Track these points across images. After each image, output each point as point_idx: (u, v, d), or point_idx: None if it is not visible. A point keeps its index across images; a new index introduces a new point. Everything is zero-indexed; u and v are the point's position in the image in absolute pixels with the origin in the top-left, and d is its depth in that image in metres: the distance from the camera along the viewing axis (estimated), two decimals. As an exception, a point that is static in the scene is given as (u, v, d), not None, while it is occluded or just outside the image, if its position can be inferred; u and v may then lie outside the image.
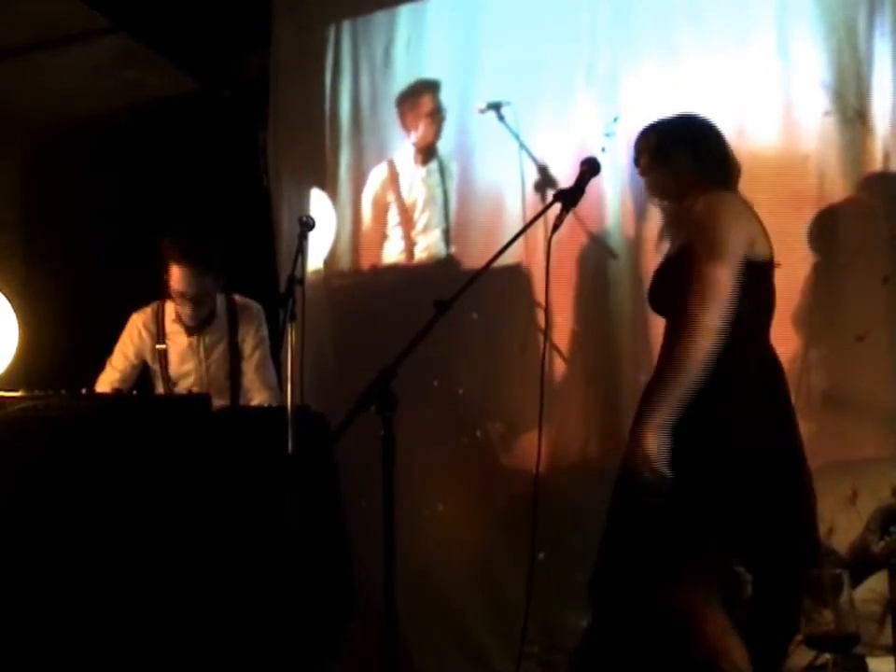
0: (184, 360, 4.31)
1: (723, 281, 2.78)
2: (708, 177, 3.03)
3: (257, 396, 4.25)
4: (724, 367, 2.79)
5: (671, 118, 3.21)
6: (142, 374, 4.40)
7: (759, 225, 2.93)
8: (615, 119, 4.16)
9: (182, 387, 4.29)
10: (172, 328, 4.31)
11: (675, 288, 2.91)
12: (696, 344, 2.74)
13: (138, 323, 4.34)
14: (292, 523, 3.23)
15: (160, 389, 4.33)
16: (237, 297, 4.37)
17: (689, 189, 3.05)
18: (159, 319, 4.33)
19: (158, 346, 4.30)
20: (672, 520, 2.80)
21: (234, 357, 4.28)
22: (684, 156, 3.08)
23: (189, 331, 4.27)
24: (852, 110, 3.81)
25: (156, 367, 4.33)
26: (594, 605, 3.15)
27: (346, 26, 4.83)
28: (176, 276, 4.12)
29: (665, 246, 3.28)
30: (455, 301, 2.66)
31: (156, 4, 4.84)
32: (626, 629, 3.03)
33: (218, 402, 4.17)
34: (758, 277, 2.88)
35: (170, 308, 4.30)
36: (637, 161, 3.24)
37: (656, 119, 3.22)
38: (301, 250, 3.62)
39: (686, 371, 2.75)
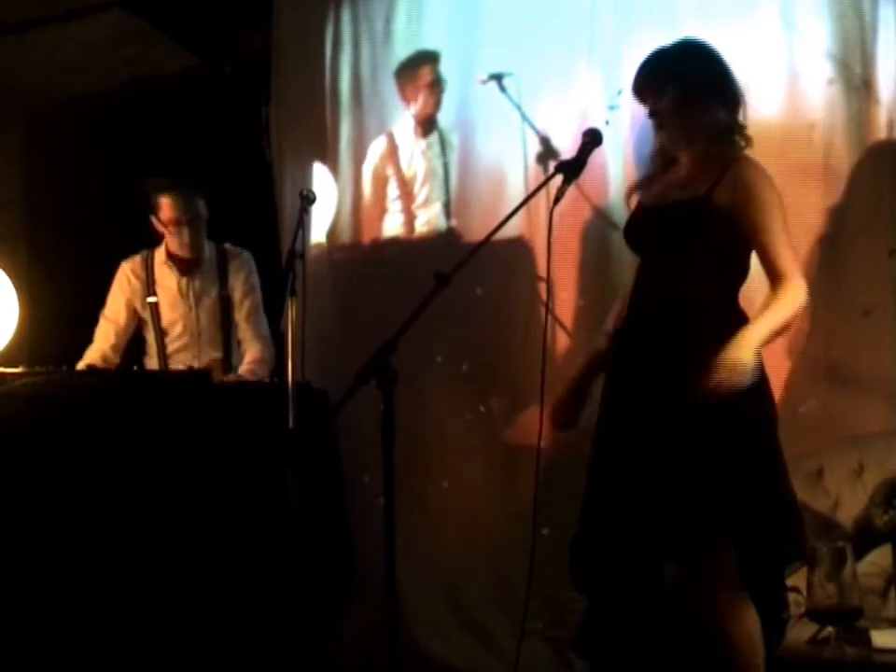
0: (174, 307, 4.28)
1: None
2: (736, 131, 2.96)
3: (249, 347, 4.22)
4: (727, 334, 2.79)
5: (688, 50, 3.02)
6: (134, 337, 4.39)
7: None
8: (619, 93, 4.12)
9: (173, 336, 4.28)
10: (161, 271, 4.28)
11: (689, 235, 2.89)
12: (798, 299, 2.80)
13: (127, 271, 4.33)
14: (293, 500, 3.22)
15: (151, 340, 4.31)
16: (227, 245, 4.34)
17: (713, 141, 2.95)
18: (148, 265, 4.31)
19: (149, 299, 4.28)
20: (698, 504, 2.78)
21: (225, 306, 4.26)
22: (717, 108, 2.94)
23: (183, 268, 4.25)
24: (857, 79, 3.78)
25: (146, 316, 4.31)
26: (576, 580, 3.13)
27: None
28: (168, 205, 4.15)
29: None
30: (455, 273, 2.63)
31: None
32: (629, 608, 3.02)
33: (211, 354, 4.22)
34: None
35: (159, 253, 4.29)
36: (648, 102, 3.01)
37: (667, 49, 3.02)
38: (301, 224, 3.60)
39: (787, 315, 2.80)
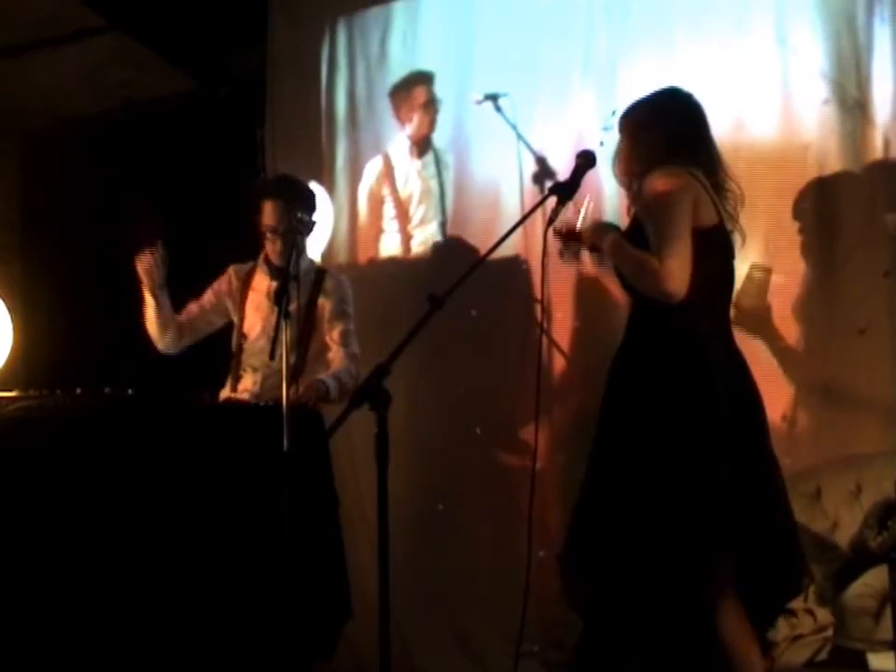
0: (258, 308, 4.18)
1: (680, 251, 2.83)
2: (675, 155, 2.99)
3: (338, 360, 4.08)
4: (688, 342, 2.85)
5: (651, 94, 3.15)
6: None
7: (703, 190, 2.93)
8: (613, 113, 4.12)
9: (251, 339, 4.16)
10: (258, 275, 4.21)
11: None
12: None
13: (231, 272, 4.28)
14: (287, 521, 3.21)
15: (234, 342, 4.23)
16: (330, 269, 4.30)
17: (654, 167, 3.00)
18: (250, 270, 4.25)
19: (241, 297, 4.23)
20: (670, 515, 2.78)
21: (308, 318, 4.11)
22: (655, 133, 3.03)
23: (275, 273, 4.14)
24: (852, 99, 3.78)
25: (235, 318, 4.24)
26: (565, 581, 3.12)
27: (342, 21, 4.82)
28: (266, 211, 4.07)
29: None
30: (448, 296, 2.63)
31: (151, 2, 4.82)
32: (625, 620, 3.01)
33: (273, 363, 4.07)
34: (710, 246, 2.89)
35: (261, 262, 4.22)
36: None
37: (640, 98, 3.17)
38: (295, 247, 3.60)
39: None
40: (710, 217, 2.92)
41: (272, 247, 4.14)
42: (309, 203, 4.13)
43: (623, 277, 3.04)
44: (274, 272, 4.15)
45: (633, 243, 2.95)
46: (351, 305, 4.17)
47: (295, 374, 4.07)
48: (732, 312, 3.05)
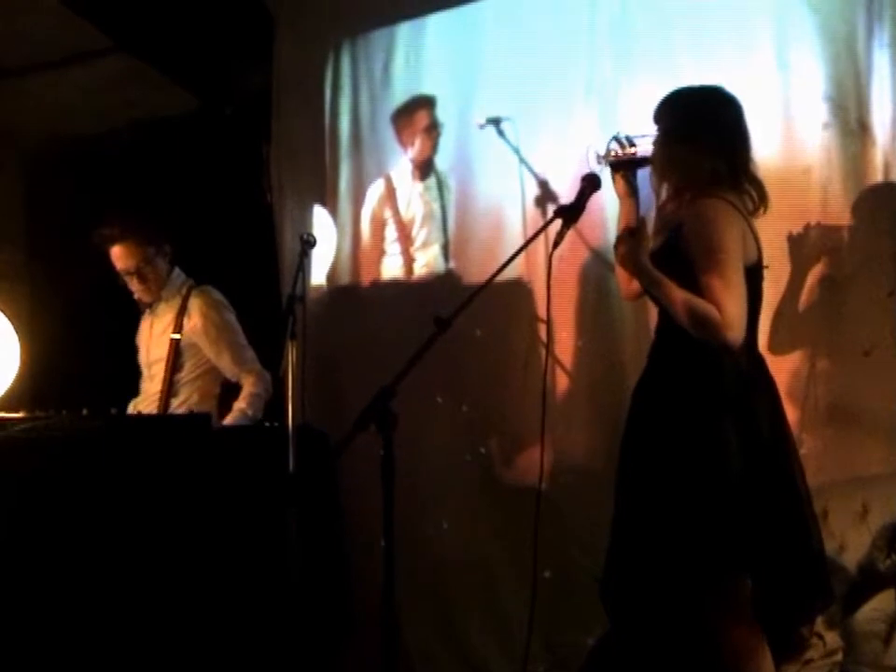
0: (141, 342, 4.39)
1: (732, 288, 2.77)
2: (720, 176, 2.95)
3: (243, 384, 4.16)
4: (720, 373, 2.83)
5: (701, 92, 3.13)
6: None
7: (748, 227, 2.91)
8: (614, 137, 4.12)
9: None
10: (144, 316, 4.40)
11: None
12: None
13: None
14: (293, 542, 3.21)
15: None
16: (196, 287, 4.34)
17: (692, 181, 2.98)
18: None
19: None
20: (689, 535, 2.78)
21: (174, 347, 4.21)
22: (703, 143, 2.98)
23: (143, 307, 4.36)
24: (853, 122, 3.78)
25: None
26: (608, 611, 3.09)
27: (346, 43, 4.83)
28: (114, 257, 4.22)
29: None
30: (455, 318, 2.65)
31: (157, 22, 4.84)
32: (643, 641, 3.01)
33: (152, 389, 4.23)
34: (751, 281, 2.86)
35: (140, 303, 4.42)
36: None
37: (686, 88, 3.15)
38: (301, 268, 3.61)
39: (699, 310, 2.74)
40: (752, 252, 2.90)
41: (132, 287, 4.29)
42: (149, 237, 4.26)
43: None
44: (145, 307, 4.36)
45: (662, 263, 2.92)
46: (217, 315, 4.22)
47: (166, 398, 4.15)
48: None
